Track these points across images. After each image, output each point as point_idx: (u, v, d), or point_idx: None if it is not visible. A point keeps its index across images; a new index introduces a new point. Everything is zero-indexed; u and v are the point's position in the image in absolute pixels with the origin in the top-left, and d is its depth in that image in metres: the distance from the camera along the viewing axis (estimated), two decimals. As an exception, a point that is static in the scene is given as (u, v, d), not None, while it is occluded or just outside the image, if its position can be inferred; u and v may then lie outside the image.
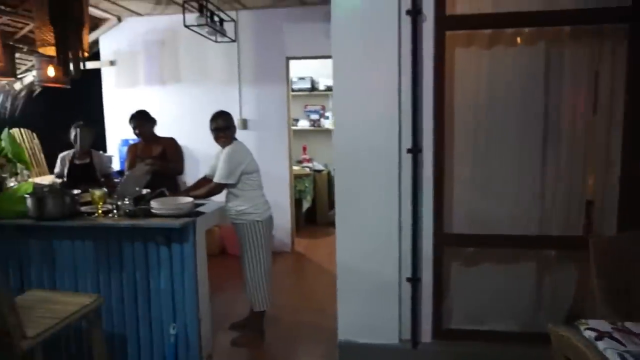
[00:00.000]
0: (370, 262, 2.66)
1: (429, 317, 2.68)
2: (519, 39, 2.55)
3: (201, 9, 3.89)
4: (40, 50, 2.45)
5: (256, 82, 5.02)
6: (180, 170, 3.79)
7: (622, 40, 2.43)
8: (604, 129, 2.52)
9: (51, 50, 2.43)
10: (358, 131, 2.60)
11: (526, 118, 2.56)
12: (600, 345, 1.32)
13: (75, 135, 3.86)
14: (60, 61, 1.95)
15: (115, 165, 4.96)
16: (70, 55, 1.95)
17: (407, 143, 2.54)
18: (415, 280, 2.64)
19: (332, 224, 6.13)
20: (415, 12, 2.41)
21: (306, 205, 6.11)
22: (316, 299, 3.91)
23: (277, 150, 5.01)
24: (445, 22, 2.45)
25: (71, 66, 2.01)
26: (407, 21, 2.44)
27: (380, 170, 2.59)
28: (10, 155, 3.55)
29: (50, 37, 2.18)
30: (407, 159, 2.55)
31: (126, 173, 3.70)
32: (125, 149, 4.03)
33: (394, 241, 2.62)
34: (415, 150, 2.53)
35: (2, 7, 3.46)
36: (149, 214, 2.65)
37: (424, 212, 2.60)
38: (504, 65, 2.56)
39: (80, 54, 2.00)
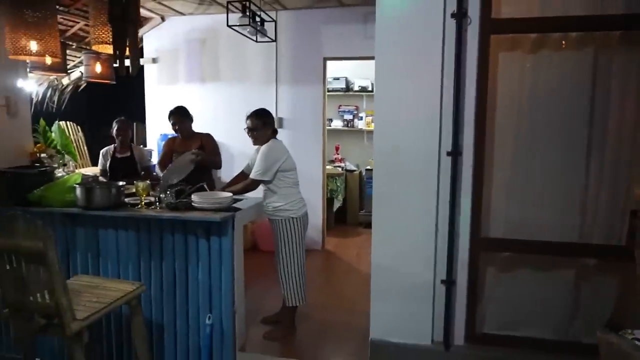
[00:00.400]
0: (405, 263, 2.68)
1: (462, 320, 2.68)
2: (564, 44, 2.51)
3: (244, 10, 3.98)
4: (95, 47, 2.57)
5: (293, 82, 5.09)
6: (218, 164, 3.88)
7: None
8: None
9: (105, 48, 2.55)
10: (398, 132, 2.62)
11: (570, 124, 2.53)
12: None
13: (118, 130, 4.02)
14: (118, 59, 2.05)
15: (155, 159, 5.11)
16: (127, 53, 2.05)
17: (447, 146, 2.55)
18: (449, 283, 2.64)
19: (362, 224, 6.28)
20: (460, 15, 2.42)
21: (337, 204, 6.15)
22: (346, 298, 3.94)
23: (311, 149, 5.07)
24: (490, 26, 2.44)
25: (127, 63, 2.11)
26: (451, 24, 2.45)
27: (419, 172, 2.60)
28: (59, 147, 3.73)
29: (106, 35, 2.29)
30: (447, 161, 2.56)
31: (150, 162, 3.83)
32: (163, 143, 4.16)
33: (430, 243, 2.63)
34: (455, 153, 2.53)
35: (57, 7, 3.63)
36: (189, 207, 2.73)
37: (462, 215, 2.60)
38: (549, 70, 2.53)
39: (136, 53, 2.09)
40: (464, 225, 2.60)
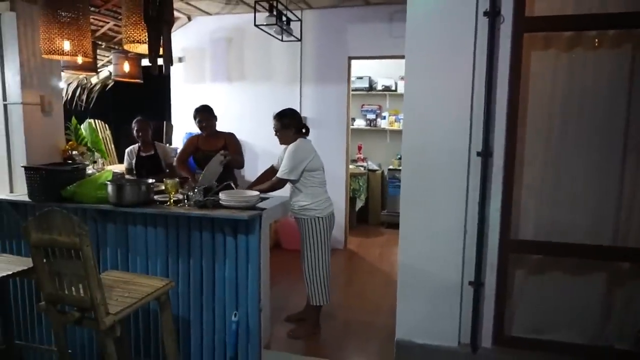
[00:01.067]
0: (432, 264, 2.66)
1: (490, 322, 2.65)
2: (600, 42, 2.46)
3: (271, 9, 4.00)
4: (126, 47, 2.62)
5: (317, 81, 5.10)
6: (241, 164, 3.91)
7: None
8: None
9: (136, 47, 2.59)
10: (427, 131, 2.60)
11: (605, 124, 2.47)
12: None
13: (137, 130, 4.08)
14: (152, 58, 2.09)
15: (180, 157, 5.18)
16: (161, 53, 2.08)
17: (478, 146, 2.52)
18: (478, 285, 2.61)
19: (384, 224, 6.25)
20: (493, 14, 2.38)
21: (359, 204, 6.14)
22: (370, 298, 3.93)
23: (334, 148, 5.07)
24: (524, 24, 2.40)
25: (160, 62, 2.14)
26: (484, 23, 2.42)
27: (448, 172, 2.58)
28: (89, 145, 3.81)
29: (138, 35, 2.33)
30: (477, 162, 2.53)
31: (174, 160, 3.87)
32: (188, 142, 4.21)
33: (459, 244, 2.61)
34: (486, 154, 2.50)
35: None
36: (217, 205, 2.75)
37: (491, 216, 2.56)
38: (584, 68, 2.48)
39: (170, 52, 2.13)
40: (494, 227, 2.57)
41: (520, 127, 2.53)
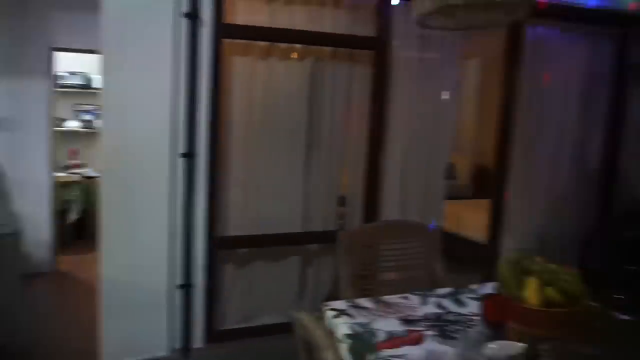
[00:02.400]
0: (138, 274, 2.51)
1: (202, 322, 2.66)
2: (289, 53, 2.76)
3: None
4: None
5: (10, 75, 4.21)
6: None
7: (369, 63, 2.86)
8: (355, 133, 2.93)
9: None
10: (127, 134, 2.44)
11: (293, 126, 2.81)
12: (337, 321, 1.58)
13: None
14: None
15: None
16: None
17: (182, 147, 2.50)
18: (187, 287, 2.58)
19: (106, 236, 5.65)
20: (193, 16, 2.40)
21: (74, 217, 5.41)
22: (83, 322, 3.43)
23: (35, 154, 4.27)
24: (222, 30, 2.50)
25: None
26: (185, 24, 2.41)
27: (151, 175, 2.48)
28: None
29: None
30: (181, 163, 2.51)
31: None
32: None
33: (163, 248, 2.53)
34: (189, 155, 2.50)
35: None
36: None
37: (197, 216, 2.58)
38: (277, 76, 2.75)
39: None
40: (200, 227, 2.59)
41: (224, 128, 2.63)
